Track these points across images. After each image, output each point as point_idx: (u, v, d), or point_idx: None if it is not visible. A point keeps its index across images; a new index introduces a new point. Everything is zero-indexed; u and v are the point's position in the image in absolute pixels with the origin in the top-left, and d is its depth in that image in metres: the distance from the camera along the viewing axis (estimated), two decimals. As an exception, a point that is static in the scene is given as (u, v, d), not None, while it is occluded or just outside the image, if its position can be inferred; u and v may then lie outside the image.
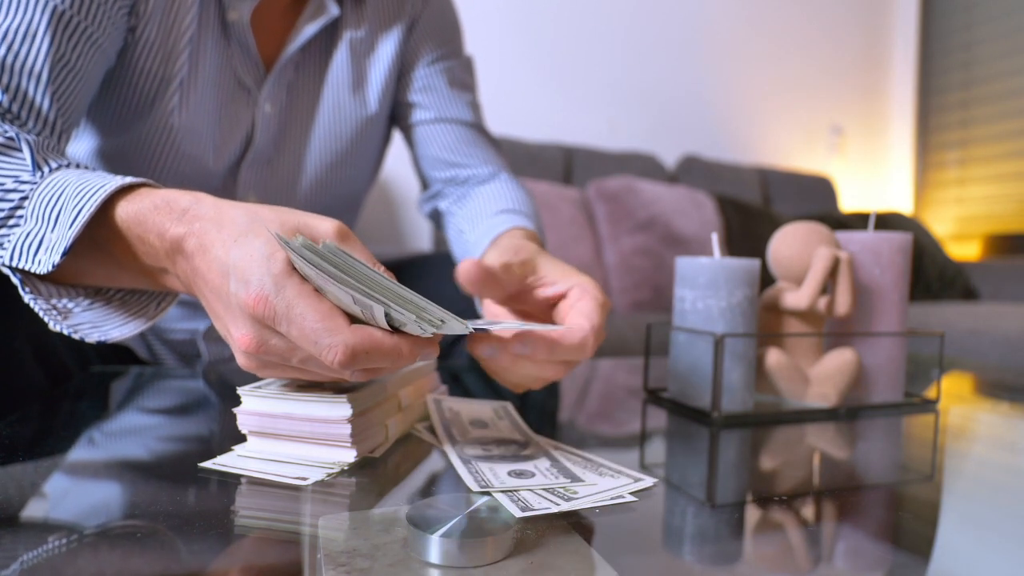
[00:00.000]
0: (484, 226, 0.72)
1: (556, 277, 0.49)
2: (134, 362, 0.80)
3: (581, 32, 2.44)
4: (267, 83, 0.71)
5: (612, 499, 0.35)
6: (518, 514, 0.31)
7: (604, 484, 0.37)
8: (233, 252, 0.35)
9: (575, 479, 0.37)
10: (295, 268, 0.34)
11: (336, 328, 0.33)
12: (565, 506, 0.33)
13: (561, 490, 0.35)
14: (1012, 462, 0.49)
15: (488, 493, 0.34)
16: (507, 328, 0.41)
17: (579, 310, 0.45)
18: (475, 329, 0.37)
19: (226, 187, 0.73)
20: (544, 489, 0.35)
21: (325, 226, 0.38)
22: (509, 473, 0.37)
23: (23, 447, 0.43)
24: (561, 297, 0.48)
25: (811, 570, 0.30)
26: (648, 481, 0.38)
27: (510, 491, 0.35)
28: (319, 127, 0.76)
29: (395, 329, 0.35)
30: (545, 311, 0.49)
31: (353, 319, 0.34)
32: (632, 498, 0.35)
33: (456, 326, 0.35)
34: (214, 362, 0.80)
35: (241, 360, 0.37)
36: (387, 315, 0.33)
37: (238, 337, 0.36)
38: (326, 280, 0.33)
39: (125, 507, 0.34)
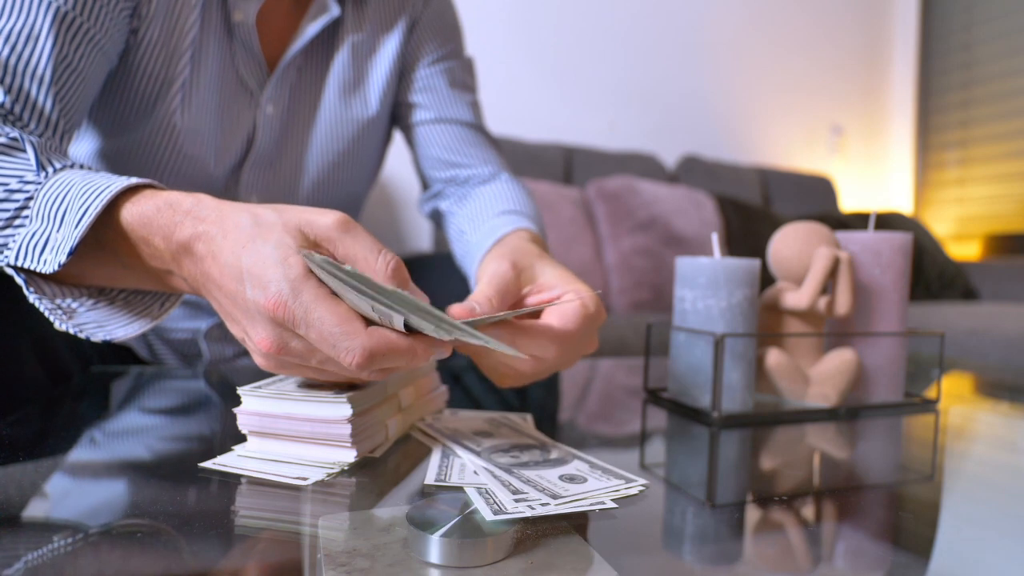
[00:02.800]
0: (486, 227, 0.71)
1: (554, 283, 0.49)
2: (135, 362, 0.80)
3: (581, 32, 2.44)
4: (269, 84, 0.71)
5: (591, 505, 0.33)
6: (490, 516, 0.30)
7: (591, 487, 0.36)
8: (245, 258, 0.36)
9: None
10: (311, 272, 0.35)
11: (354, 332, 0.34)
12: (540, 511, 0.32)
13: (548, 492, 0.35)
14: (1012, 462, 0.49)
15: (459, 489, 0.35)
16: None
17: (559, 311, 0.45)
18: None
19: (228, 188, 0.73)
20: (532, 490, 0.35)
21: (326, 220, 0.38)
22: (560, 477, 0.37)
23: (23, 447, 0.43)
24: (553, 300, 0.48)
25: (811, 570, 0.30)
26: (635, 487, 0.36)
27: (480, 487, 0.35)
28: (320, 128, 0.76)
29: (409, 330, 0.36)
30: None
31: (369, 321, 0.36)
32: (613, 504, 0.34)
33: (470, 339, 0.35)
34: (215, 361, 0.80)
35: (260, 361, 0.39)
36: (405, 321, 0.35)
37: (258, 340, 0.37)
38: (346, 289, 0.34)
39: (125, 507, 0.34)
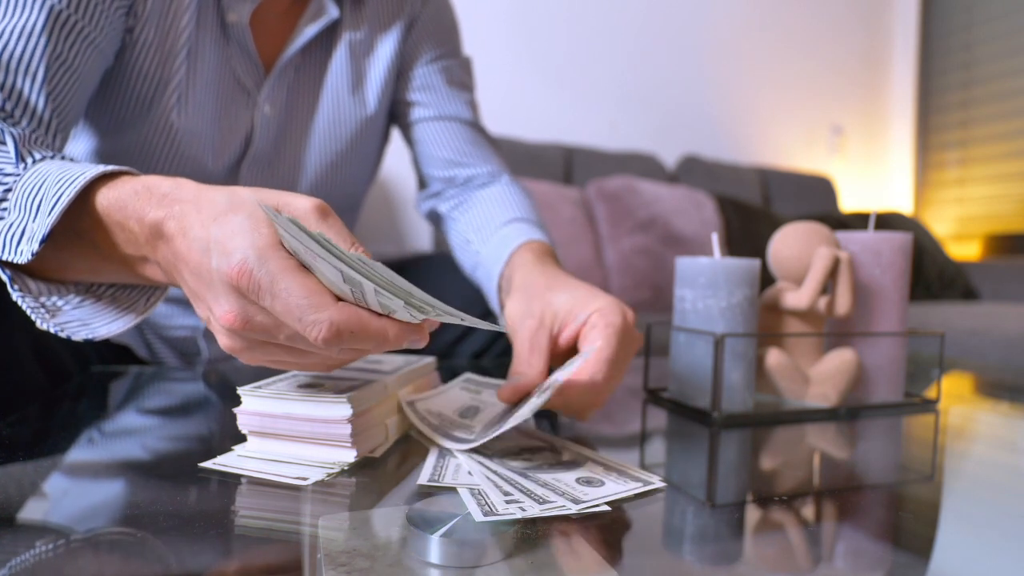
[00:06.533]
0: (495, 239, 0.71)
1: (571, 311, 0.49)
2: (134, 361, 0.80)
3: (582, 33, 2.44)
4: (266, 84, 0.71)
5: (590, 508, 0.33)
6: (479, 517, 0.30)
7: (609, 490, 0.36)
8: (213, 229, 0.35)
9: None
10: (280, 243, 0.34)
11: (322, 304, 0.32)
12: (530, 512, 0.32)
13: (539, 495, 0.34)
14: (1012, 462, 0.49)
15: (452, 489, 0.34)
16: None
17: (589, 343, 0.46)
18: (465, 323, 0.36)
19: None
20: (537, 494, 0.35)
21: (303, 203, 0.37)
22: (578, 480, 0.37)
23: (23, 447, 0.43)
24: (581, 328, 0.49)
25: (811, 570, 0.30)
26: (639, 486, 0.37)
27: (473, 488, 0.35)
28: (318, 128, 0.76)
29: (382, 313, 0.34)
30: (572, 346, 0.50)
31: (339, 298, 0.34)
32: (606, 507, 0.34)
33: (446, 317, 0.34)
34: (214, 360, 0.80)
35: (224, 341, 0.37)
36: (377, 299, 0.33)
37: (221, 314, 0.35)
38: (314, 256, 0.32)
39: (125, 507, 0.34)
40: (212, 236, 0.35)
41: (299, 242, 0.32)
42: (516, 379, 0.46)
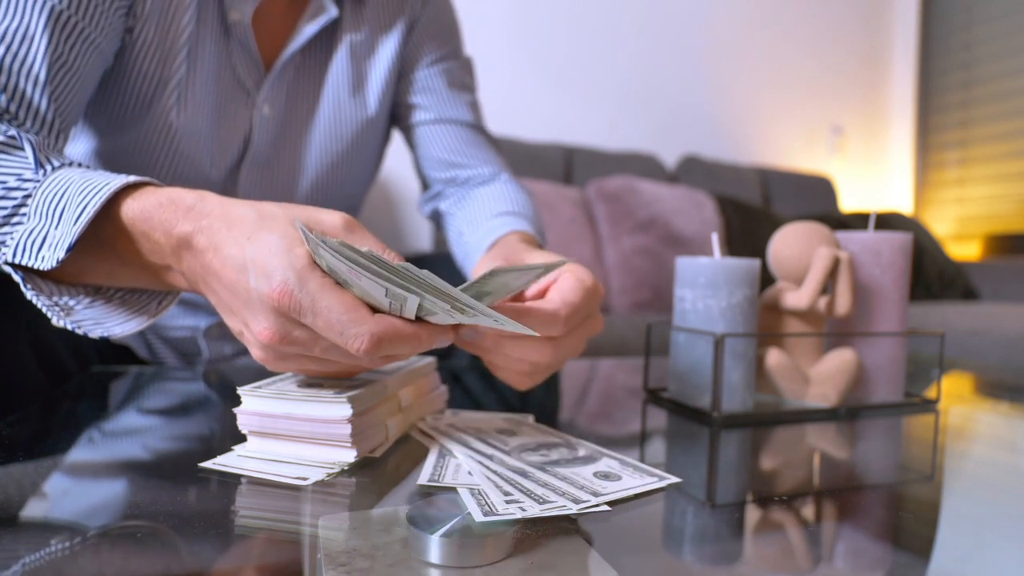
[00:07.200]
0: (483, 229, 0.72)
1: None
2: (134, 361, 0.80)
3: (582, 32, 2.44)
4: (266, 84, 0.71)
5: (590, 508, 0.33)
6: (479, 517, 0.30)
7: (627, 484, 0.37)
8: (249, 249, 0.37)
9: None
10: (315, 262, 0.36)
11: (361, 318, 0.35)
12: (530, 512, 0.32)
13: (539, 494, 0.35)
14: (1012, 462, 0.49)
15: (452, 489, 0.34)
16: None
17: (557, 288, 0.45)
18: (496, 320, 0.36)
19: (226, 190, 0.73)
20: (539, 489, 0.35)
21: (332, 218, 0.39)
22: (595, 474, 0.38)
23: (23, 447, 0.43)
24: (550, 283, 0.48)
25: (811, 570, 0.30)
26: (655, 480, 0.38)
27: (471, 487, 0.35)
28: (318, 129, 0.76)
29: (416, 317, 0.36)
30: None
31: (374, 310, 0.36)
32: (607, 508, 0.33)
33: (483, 318, 0.35)
34: (214, 360, 0.80)
35: (258, 353, 0.39)
36: (419, 305, 0.35)
37: (259, 331, 0.37)
38: (358, 275, 0.34)
39: (125, 507, 0.34)
40: (248, 256, 0.37)
41: (345, 263, 0.34)
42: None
